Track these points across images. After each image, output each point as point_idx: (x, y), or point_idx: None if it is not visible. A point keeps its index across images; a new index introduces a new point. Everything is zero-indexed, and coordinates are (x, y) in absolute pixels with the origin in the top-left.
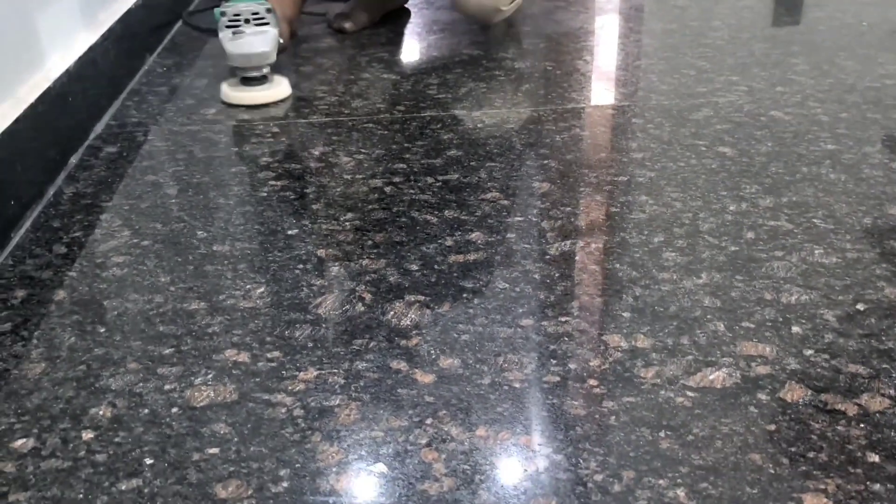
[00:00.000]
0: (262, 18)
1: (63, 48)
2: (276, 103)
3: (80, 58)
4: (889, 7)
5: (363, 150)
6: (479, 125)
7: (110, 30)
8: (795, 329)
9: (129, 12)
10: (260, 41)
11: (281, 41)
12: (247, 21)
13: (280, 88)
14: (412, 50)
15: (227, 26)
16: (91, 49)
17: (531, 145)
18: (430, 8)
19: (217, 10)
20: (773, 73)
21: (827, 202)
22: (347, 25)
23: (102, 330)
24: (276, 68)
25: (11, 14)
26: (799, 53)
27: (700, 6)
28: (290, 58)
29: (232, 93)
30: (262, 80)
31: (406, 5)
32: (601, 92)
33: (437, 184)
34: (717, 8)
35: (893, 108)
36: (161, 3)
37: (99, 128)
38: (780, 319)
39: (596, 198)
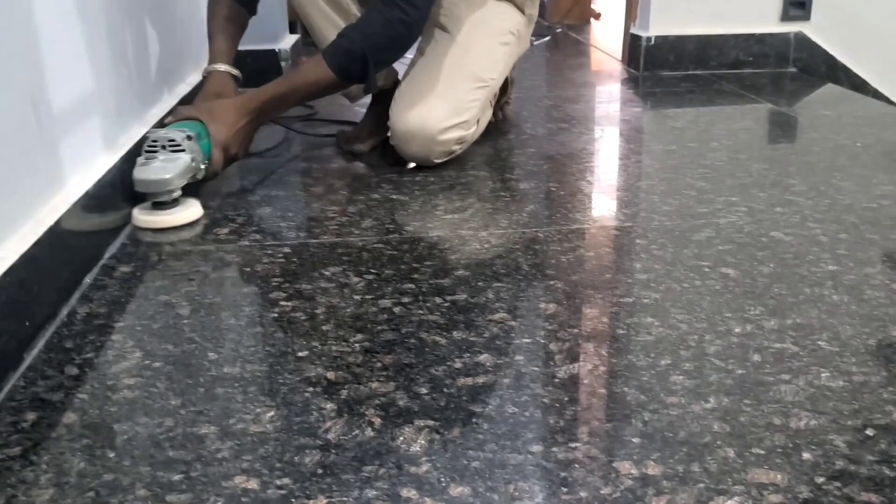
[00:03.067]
0: (178, 146)
1: (83, 170)
2: (185, 226)
3: (98, 180)
4: (883, 128)
5: (373, 270)
6: (485, 245)
7: (128, 153)
8: (806, 455)
9: (145, 137)
10: (162, 168)
11: (203, 167)
12: (163, 147)
13: (189, 211)
14: (420, 170)
15: (145, 152)
16: (109, 171)
17: (537, 266)
18: None
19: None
20: (771, 193)
21: (831, 324)
22: (357, 147)
23: (112, 455)
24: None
25: (35, 138)
26: (796, 174)
27: (698, 127)
28: (300, 178)
29: (140, 216)
30: (172, 203)
31: None
32: (604, 212)
33: (446, 304)
34: (714, 129)
35: (891, 228)
36: None
37: (113, 248)
38: (791, 445)
39: (602, 319)
